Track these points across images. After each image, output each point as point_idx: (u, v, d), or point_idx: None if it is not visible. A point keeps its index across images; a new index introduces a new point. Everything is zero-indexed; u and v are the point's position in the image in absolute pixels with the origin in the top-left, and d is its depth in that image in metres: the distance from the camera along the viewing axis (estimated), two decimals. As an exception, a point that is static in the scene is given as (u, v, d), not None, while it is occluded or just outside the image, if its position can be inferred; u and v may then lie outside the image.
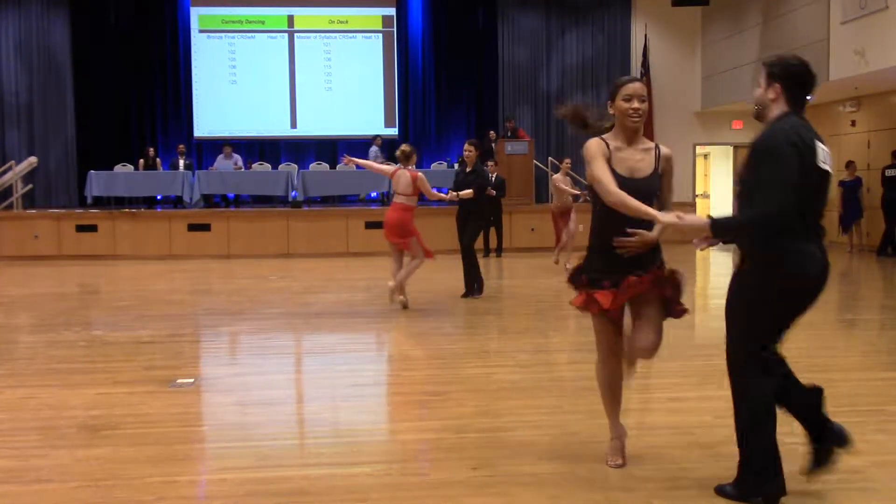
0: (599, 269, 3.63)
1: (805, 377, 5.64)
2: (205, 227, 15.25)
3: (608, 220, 3.55)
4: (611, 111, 3.62)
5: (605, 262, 3.61)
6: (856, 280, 11.86)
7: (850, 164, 14.99)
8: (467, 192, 8.79)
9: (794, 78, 3.31)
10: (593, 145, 3.57)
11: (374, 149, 17.44)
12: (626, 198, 3.41)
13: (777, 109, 3.32)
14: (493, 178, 13.42)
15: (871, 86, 14.29)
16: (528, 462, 3.87)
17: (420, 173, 8.57)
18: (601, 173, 3.50)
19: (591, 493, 3.49)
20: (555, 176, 12.50)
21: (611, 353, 3.77)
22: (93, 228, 15.08)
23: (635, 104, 3.54)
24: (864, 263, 13.38)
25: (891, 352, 6.67)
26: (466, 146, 9.28)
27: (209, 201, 16.86)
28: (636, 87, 3.58)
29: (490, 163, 15.06)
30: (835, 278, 11.93)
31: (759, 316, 3.36)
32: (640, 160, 3.61)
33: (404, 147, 8.75)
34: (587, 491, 3.51)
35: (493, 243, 14.97)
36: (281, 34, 19.13)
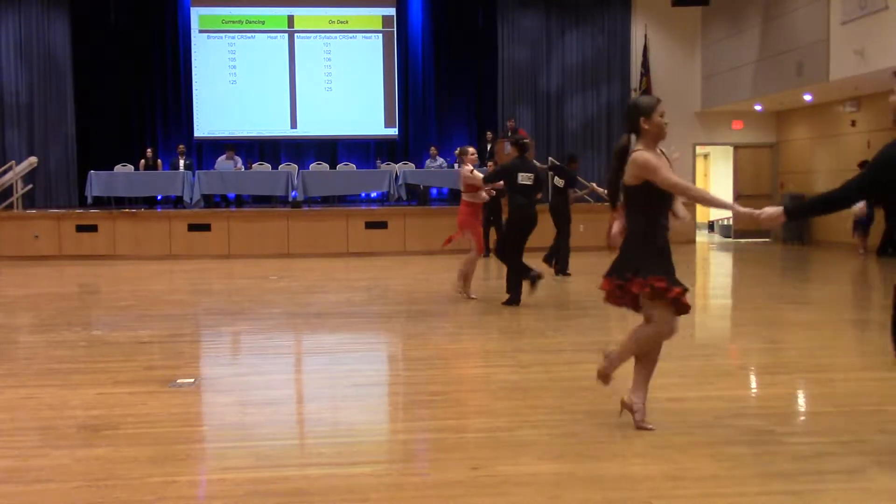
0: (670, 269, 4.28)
1: (805, 377, 5.67)
2: (205, 227, 15.25)
3: (661, 221, 4.21)
4: (645, 126, 4.20)
5: (668, 262, 4.27)
6: (856, 280, 11.87)
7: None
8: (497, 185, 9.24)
9: None
10: (652, 157, 4.13)
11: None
12: (706, 192, 4.36)
13: None
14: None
15: (871, 86, 14.28)
16: (528, 462, 3.87)
17: (462, 168, 9.34)
18: (673, 176, 4.13)
19: (591, 493, 3.49)
20: None
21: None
22: (93, 228, 15.09)
23: (666, 120, 4.24)
24: (864, 264, 13.39)
25: (891, 352, 6.65)
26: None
27: (209, 201, 16.86)
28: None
29: (490, 163, 15.07)
30: (836, 278, 11.97)
31: None
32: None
33: (458, 149, 10.00)
34: (587, 491, 3.51)
35: (493, 243, 14.96)
36: (281, 34, 19.12)
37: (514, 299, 8.76)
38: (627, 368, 4.55)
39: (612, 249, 4.46)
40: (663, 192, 4.20)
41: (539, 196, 9.26)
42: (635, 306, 4.35)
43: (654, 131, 4.20)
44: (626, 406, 4.41)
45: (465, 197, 9.19)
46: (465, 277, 9.28)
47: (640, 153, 4.17)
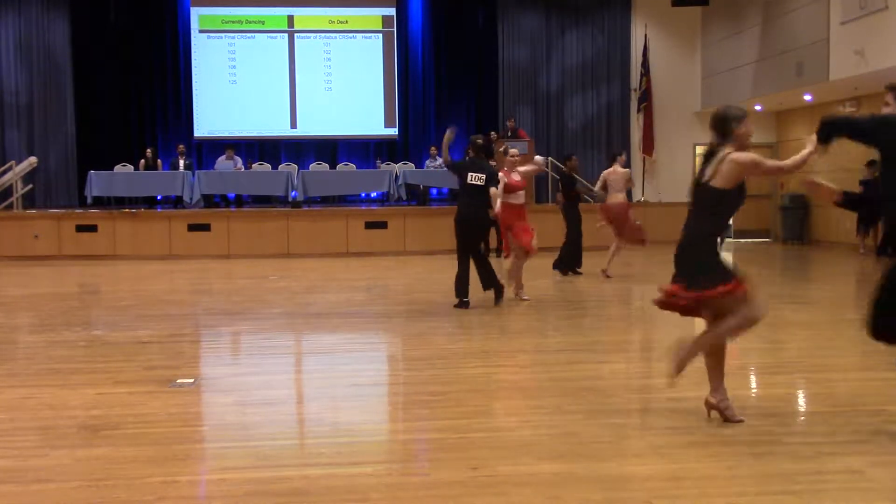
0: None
1: (805, 377, 5.67)
2: (205, 227, 15.25)
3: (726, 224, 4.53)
4: (739, 131, 4.35)
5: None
6: (856, 280, 11.86)
7: (871, 164, 14.69)
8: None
9: None
10: (747, 153, 4.34)
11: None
12: (795, 159, 4.49)
13: None
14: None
15: (871, 86, 14.25)
16: (528, 462, 3.87)
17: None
18: (770, 160, 4.72)
19: (591, 493, 3.48)
20: (621, 169, 11.32)
21: None
22: (93, 228, 15.08)
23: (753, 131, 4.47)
24: (864, 263, 13.38)
25: (891, 352, 6.64)
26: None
27: (209, 201, 16.86)
28: None
29: (492, 163, 14.99)
30: (835, 278, 11.97)
31: None
32: None
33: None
34: (587, 491, 3.51)
35: (493, 243, 14.94)
36: (281, 34, 19.12)
37: (497, 295, 8.63)
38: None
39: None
40: (742, 199, 4.37)
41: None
42: (693, 313, 4.48)
43: (744, 135, 4.36)
44: (712, 407, 4.42)
45: (505, 198, 8.85)
46: (515, 279, 9.09)
47: (740, 153, 4.28)
